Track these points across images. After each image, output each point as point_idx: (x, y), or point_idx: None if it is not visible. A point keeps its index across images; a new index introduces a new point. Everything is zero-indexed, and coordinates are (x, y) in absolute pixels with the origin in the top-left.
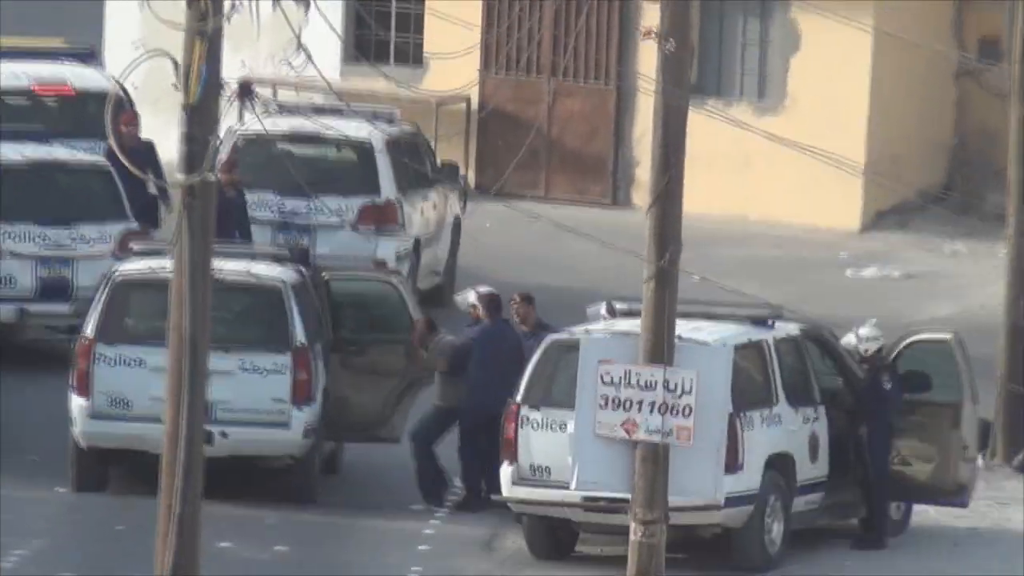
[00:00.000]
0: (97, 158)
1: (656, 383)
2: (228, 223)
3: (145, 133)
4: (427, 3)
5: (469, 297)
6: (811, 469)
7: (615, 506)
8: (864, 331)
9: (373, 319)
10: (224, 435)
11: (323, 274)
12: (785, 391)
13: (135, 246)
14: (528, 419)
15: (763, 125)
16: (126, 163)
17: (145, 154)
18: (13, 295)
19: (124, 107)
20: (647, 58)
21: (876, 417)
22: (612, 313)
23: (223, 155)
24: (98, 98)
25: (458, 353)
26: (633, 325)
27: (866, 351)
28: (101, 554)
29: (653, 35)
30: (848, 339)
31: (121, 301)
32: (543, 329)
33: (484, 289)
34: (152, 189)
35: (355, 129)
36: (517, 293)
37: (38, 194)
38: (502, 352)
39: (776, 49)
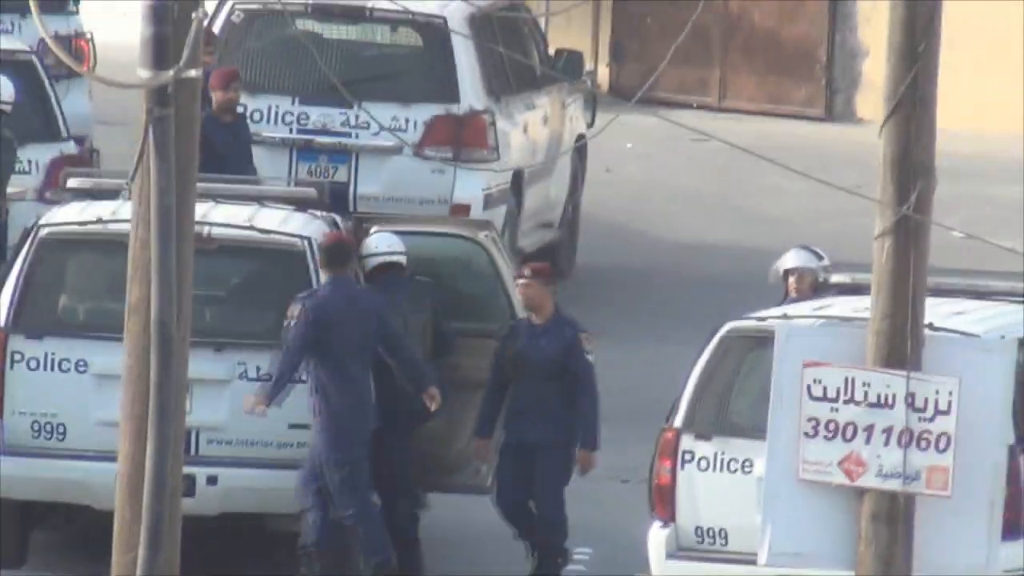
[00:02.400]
0: (14, 44)
1: (895, 398)
2: (225, 161)
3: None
4: None
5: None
6: None
7: None
8: None
9: (450, 299)
10: (213, 481)
11: (369, 227)
12: None
13: (73, 182)
14: (693, 455)
15: None
16: (65, 59)
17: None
18: None
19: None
20: None
21: None
22: (813, 287)
23: (212, 48)
24: None
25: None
26: (858, 306)
27: None
28: None
29: None
30: None
31: (51, 270)
32: (564, 326)
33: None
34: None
35: None
36: (527, 267)
37: None
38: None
39: None
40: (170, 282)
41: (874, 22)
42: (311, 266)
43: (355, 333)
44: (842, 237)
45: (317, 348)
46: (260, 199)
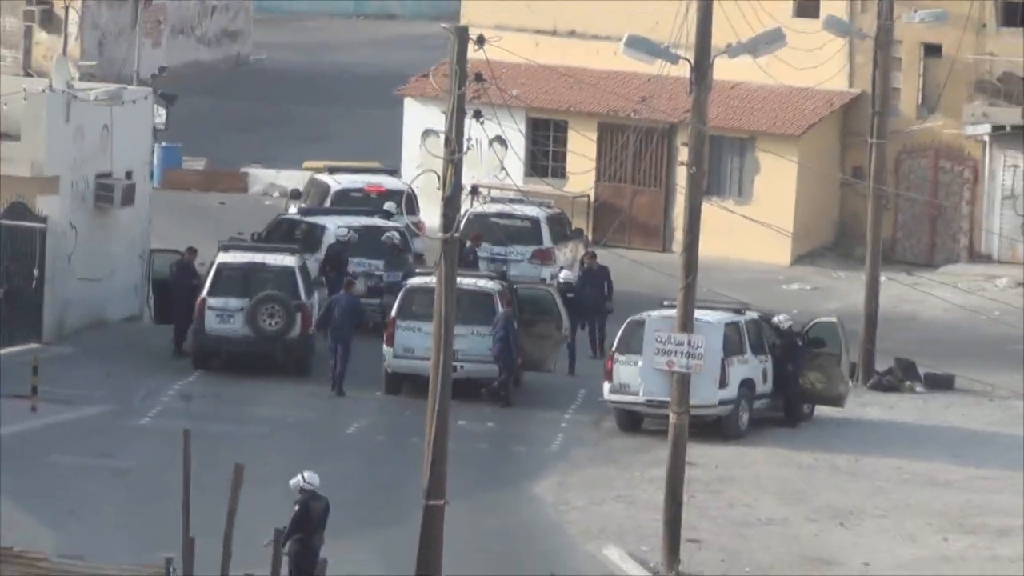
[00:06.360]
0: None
1: (685, 342)
2: (472, 263)
3: (423, 215)
4: (569, 145)
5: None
6: (763, 387)
7: (662, 405)
8: (782, 317)
9: (539, 308)
10: (462, 367)
11: (514, 286)
12: (751, 347)
13: (418, 270)
14: (619, 359)
15: (741, 211)
16: (411, 225)
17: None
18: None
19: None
20: (682, 175)
21: (793, 361)
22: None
23: (461, 226)
24: (398, 194)
25: None
26: (673, 312)
27: (785, 327)
28: (396, 427)
29: (685, 164)
30: (775, 319)
31: (410, 298)
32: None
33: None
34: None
35: (531, 211)
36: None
37: None
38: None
39: (748, 172)
40: (449, 302)
41: (680, 219)
42: (494, 300)
43: None
44: (671, 292)
45: None
46: (478, 276)
